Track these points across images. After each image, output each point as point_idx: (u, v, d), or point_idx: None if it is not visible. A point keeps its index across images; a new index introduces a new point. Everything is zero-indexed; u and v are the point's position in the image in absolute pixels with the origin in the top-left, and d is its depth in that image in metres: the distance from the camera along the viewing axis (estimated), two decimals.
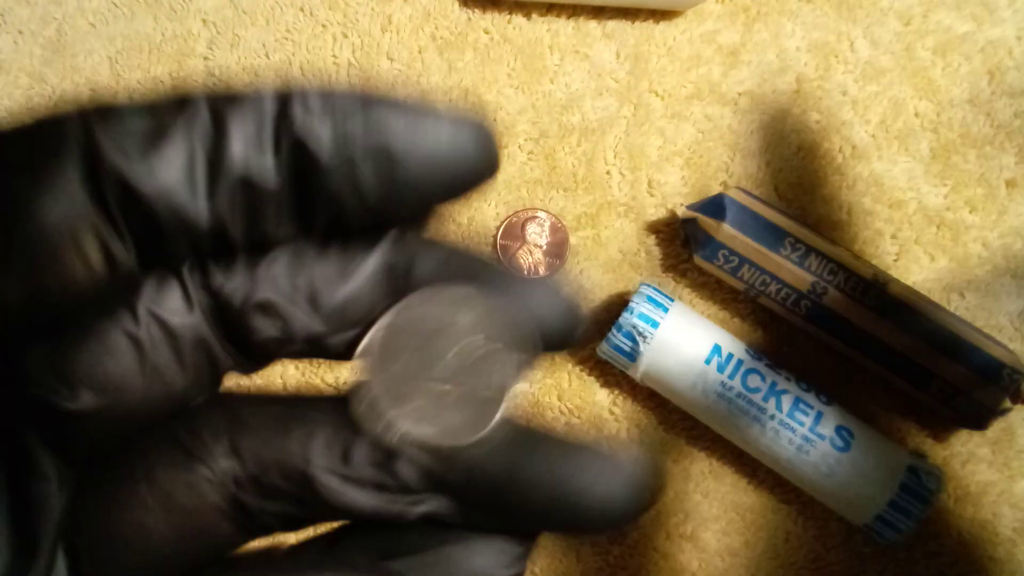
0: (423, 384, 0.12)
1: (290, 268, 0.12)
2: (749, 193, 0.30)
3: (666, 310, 0.29)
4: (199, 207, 0.11)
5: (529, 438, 0.12)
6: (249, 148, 0.11)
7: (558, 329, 0.13)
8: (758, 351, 0.29)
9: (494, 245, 0.32)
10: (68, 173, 0.11)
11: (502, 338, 0.12)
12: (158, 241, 0.11)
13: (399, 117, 0.12)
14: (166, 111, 0.11)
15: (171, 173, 0.11)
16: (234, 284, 0.12)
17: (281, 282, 0.12)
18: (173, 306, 0.11)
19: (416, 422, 0.12)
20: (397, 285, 0.12)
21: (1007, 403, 0.28)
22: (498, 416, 0.12)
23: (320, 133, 0.11)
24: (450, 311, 0.12)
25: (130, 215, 0.11)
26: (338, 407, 0.13)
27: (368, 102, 0.12)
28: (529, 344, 0.12)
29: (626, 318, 0.28)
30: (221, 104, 0.11)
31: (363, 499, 0.12)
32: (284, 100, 0.11)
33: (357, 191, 0.12)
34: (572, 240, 0.32)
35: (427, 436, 0.12)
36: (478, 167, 0.12)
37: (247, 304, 0.12)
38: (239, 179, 0.11)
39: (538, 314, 0.12)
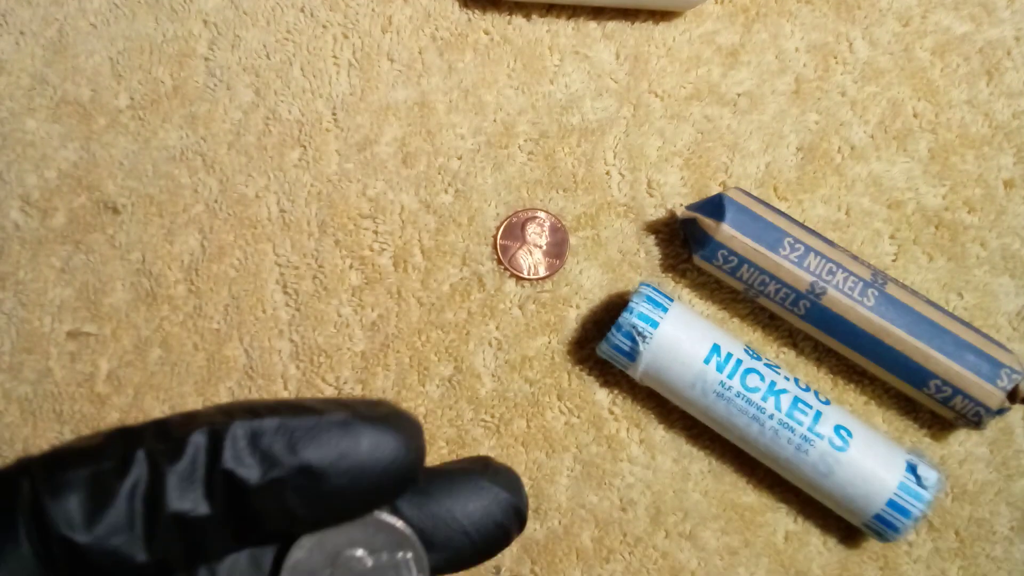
0: None
1: None
2: (748, 193, 0.30)
3: (665, 310, 0.29)
4: (140, 555, 0.12)
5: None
6: (183, 488, 0.12)
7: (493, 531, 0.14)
8: (757, 351, 0.30)
9: (494, 245, 0.32)
10: (21, 546, 0.12)
11: (386, 549, 0.13)
12: None
13: (321, 435, 0.13)
14: (110, 473, 0.12)
15: (115, 533, 0.12)
16: None
17: None
18: None
19: None
20: None
21: (1005, 403, 0.28)
22: None
23: (247, 462, 0.13)
24: (343, 535, 0.13)
25: (78, 571, 0.12)
26: None
27: (292, 424, 0.13)
28: (416, 552, 0.14)
29: (626, 318, 0.28)
30: (159, 456, 0.12)
31: None
32: (216, 435, 0.13)
33: (284, 509, 0.13)
34: (572, 240, 0.32)
35: None
36: (402, 470, 0.13)
37: None
38: (174, 517, 0.12)
39: (469, 517, 0.14)
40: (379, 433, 0.13)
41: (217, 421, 0.13)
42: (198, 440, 0.13)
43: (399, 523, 0.14)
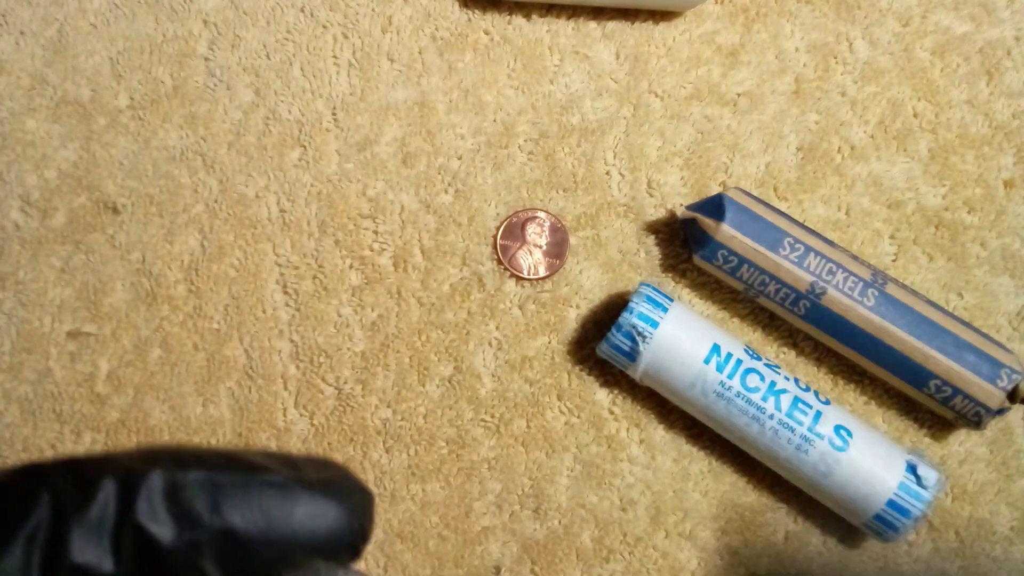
0: None
1: None
2: (748, 193, 0.30)
3: (665, 310, 0.29)
4: None
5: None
6: (88, 539, 0.11)
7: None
8: (757, 351, 0.30)
9: (494, 245, 0.32)
10: None
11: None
12: None
13: (251, 495, 0.11)
14: (8, 514, 0.11)
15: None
16: None
17: None
18: None
19: None
20: None
21: (1005, 403, 0.28)
22: None
23: (162, 518, 0.11)
24: None
25: None
26: None
27: (220, 480, 0.11)
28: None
29: (626, 318, 0.28)
30: (65, 500, 0.11)
31: None
32: (130, 483, 0.11)
33: (200, 573, 0.11)
34: (572, 240, 0.32)
35: None
36: (339, 547, 0.12)
37: None
38: (75, 570, 0.11)
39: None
40: (319, 502, 0.12)
41: (134, 468, 0.11)
42: (110, 487, 0.11)
43: None
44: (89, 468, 0.11)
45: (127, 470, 0.11)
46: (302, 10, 0.33)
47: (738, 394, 0.28)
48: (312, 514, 0.11)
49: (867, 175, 0.32)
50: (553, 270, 0.32)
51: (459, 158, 0.32)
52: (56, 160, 0.32)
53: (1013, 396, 0.28)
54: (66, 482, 0.11)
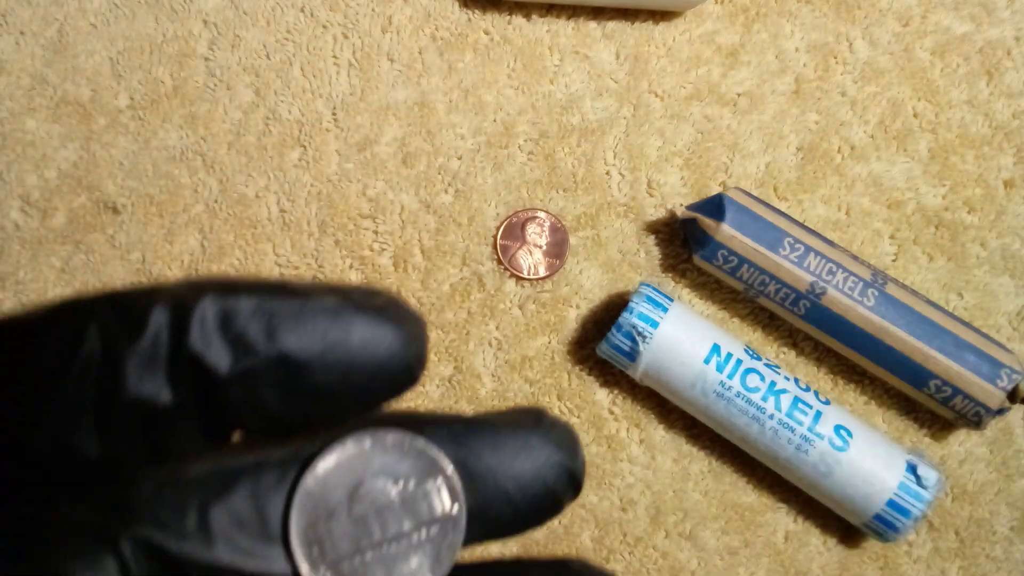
0: (362, 557, 0.11)
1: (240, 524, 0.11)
2: (748, 193, 0.30)
3: (665, 310, 0.29)
4: (91, 447, 0.10)
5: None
6: (142, 372, 0.10)
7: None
8: (757, 351, 0.30)
9: (494, 245, 0.32)
10: None
11: (413, 476, 0.11)
12: (53, 482, 0.10)
13: (305, 321, 0.11)
14: (59, 349, 0.10)
15: (61, 420, 0.10)
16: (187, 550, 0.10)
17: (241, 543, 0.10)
18: None
19: None
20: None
21: (1005, 403, 0.28)
22: (451, 546, 0.11)
23: (217, 346, 0.10)
24: (360, 461, 0.11)
25: (15, 465, 0.10)
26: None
27: (273, 307, 0.11)
28: (448, 479, 0.12)
29: (626, 318, 0.28)
30: (114, 333, 0.10)
31: None
32: (181, 313, 0.11)
33: (260, 405, 0.11)
34: (572, 240, 0.32)
35: None
36: (398, 370, 0.11)
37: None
38: (133, 405, 0.10)
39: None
40: (374, 325, 0.11)
41: (184, 297, 0.11)
42: (160, 317, 0.10)
43: (427, 445, 0.11)
44: (136, 299, 0.11)
45: (176, 299, 0.11)
46: (302, 10, 0.33)
47: (738, 394, 0.28)
48: (369, 337, 0.11)
49: (867, 175, 0.32)
50: (553, 270, 0.32)
51: (459, 158, 0.32)
52: (56, 160, 0.32)
53: (1013, 396, 0.28)
54: (113, 314, 0.11)
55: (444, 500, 0.11)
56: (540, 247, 0.32)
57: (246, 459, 0.11)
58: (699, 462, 0.31)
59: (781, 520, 0.30)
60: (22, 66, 0.33)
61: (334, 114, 0.33)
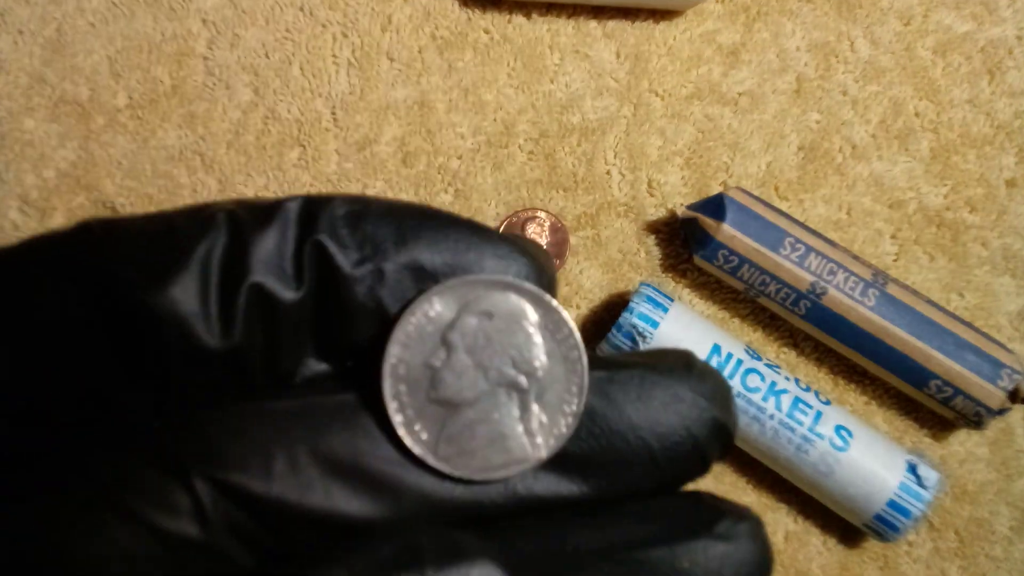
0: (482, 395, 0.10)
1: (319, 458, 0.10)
2: (749, 193, 0.30)
3: (666, 310, 0.29)
4: (212, 338, 0.10)
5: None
6: (268, 261, 0.10)
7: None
8: (757, 351, 0.29)
9: None
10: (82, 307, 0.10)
11: (496, 308, 0.10)
12: (172, 377, 0.10)
13: (438, 232, 0.10)
14: (182, 232, 0.10)
15: (184, 299, 0.10)
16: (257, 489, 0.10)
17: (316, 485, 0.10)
18: (178, 515, 0.09)
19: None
20: None
21: (1006, 403, 0.28)
22: (583, 362, 0.10)
23: (346, 241, 0.10)
24: (439, 313, 0.10)
25: (135, 341, 0.10)
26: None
27: (403, 216, 0.10)
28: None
29: (626, 318, 0.28)
30: (242, 220, 0.10)
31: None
32: (312, 205, 0.10)
33: (381, 313, 0.10)
34: (572, 240, 0.32)
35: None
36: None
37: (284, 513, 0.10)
38: (255, 292, 0.10)
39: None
40: (506, 252, 0.10)
41: (314, 196, 0.10)
42: (290, 209, 0.10)
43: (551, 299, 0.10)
44: (266, 200, 0.10)
45: (307, 197, 0.10)
46: (301, 9, 0.33)
47: (738, 394, 0.28)
48: (502, 256, 0.10)
49: (868, 175, 0.32)
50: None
51: (459, 158, 0.32)
52: (54, 159, 0.32)
53: (1014, 396, 0.28)
54: (242, 206, 0.10)
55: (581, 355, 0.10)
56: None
57: (341, 397, 0.10)
58: None
59: (781, 520, 0.30)
60: (20, 65, 0.33)
61: (333, 113, 0.32)
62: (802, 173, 0.32)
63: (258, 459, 0.10)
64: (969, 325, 0.29)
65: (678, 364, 0.11)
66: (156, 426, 0.10)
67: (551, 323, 0.10)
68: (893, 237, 0.32)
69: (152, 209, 0.32)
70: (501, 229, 0.32)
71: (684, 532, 0.10)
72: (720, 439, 0.11)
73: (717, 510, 0.11)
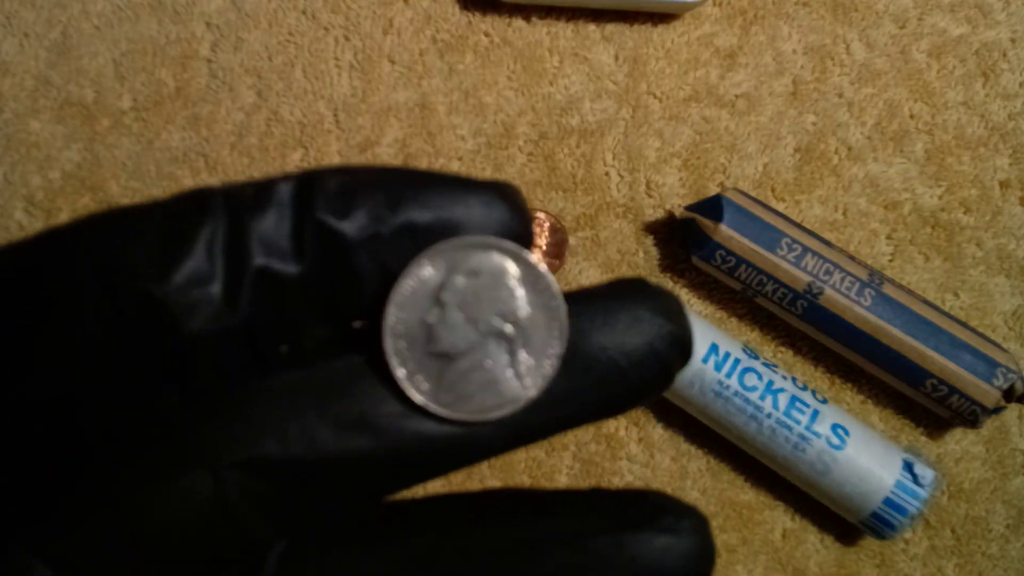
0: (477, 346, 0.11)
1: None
2: (746, 194, 0.30)
3: None
4: (225, 317, 0.10)
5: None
6: (269, 242, 0.10)
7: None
8: (755, 350, 0.30)
9: None
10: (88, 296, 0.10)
11: (479, 269, 0.11)
12: (188, 364, 0.10)
13: (426, 190, 0.11)
14: (183, 219, 0.10)
15: (194, 285, 0.10)
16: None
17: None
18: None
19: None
20: None
21: (1001, 401, 0.28)
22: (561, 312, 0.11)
23: (343, 212, 0.11)
24: (428, 275, 0.11)
25: (153, 333, 0.10)
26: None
27: (391, 180, 0.11)
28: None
29: None
30: (238, 204, 0.10)
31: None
32: (306, 184, 0.11)
33: (384, 272, 0.11)
34: (571, 240, 0.32)
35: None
36: (512, 239, 0.12)
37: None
38: (261, 274, 0.10)
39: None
40: (489, 195, 0.11)
41: (305, 172, 0.11)
42: (284, 188, 0.10)
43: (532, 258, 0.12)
44: (256, 181, 0.11)
45: (299, 174, 0.11)
46: (304, 12, 0.33)
47: (736, 393, 0.28)
48: (487, 203, 0.11)
49: (864, 176, 0.33)
50: (553, 270, 0.32)
51: (459, 159, 0.33)
52: (60, 161, 0.33)
53: (1009, 395, 0.28)
54: (236, 189, 0.11)
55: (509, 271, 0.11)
56: (540, 247, 0.32)
57: (347, 360, 0.11)
58: (697, 460, 0.31)
59: (779, 518, 0.31)
60: (26, 68, 0.33)
61: (335, 115, 0.33)
62: (798, 174, 0.33)
63: (274, 434, 0.10)
64: (964, 324, 0.29)
65: (634, 289, 0.12)
66: (174, 415, 0.10)
67: (531, 276, 0.12)
68: (889, 238, 0.32)
69: None
70: None
71: (630, 524, 0.12)
72: (679, 348, 0.12)
73: (662, 507, 0.13)
